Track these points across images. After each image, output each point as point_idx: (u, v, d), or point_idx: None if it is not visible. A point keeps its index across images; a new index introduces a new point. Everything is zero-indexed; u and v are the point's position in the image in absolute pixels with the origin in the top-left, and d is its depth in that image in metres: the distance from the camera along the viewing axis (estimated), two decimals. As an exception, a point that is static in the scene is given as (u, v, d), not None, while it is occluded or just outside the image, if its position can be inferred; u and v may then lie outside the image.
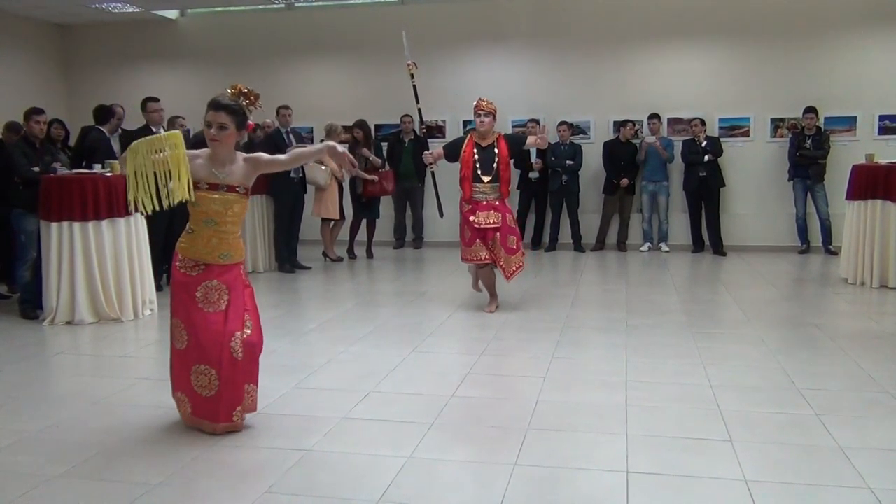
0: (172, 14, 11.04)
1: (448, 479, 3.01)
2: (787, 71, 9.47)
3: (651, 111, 9.63)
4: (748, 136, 9.70)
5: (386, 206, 9.74)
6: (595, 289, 7.30)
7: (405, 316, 6.06)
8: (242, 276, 3.48)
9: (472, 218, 5.87)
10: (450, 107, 10.19)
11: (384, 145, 9.85)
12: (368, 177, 8.90)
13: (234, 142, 3.39)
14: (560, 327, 5.53)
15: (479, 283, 6.28)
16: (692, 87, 9.76)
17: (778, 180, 9.49)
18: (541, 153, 9.43)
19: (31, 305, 6.09)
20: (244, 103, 3.41)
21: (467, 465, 3.15)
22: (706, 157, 9.21)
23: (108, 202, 5.83)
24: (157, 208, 3.28)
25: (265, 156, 3.51)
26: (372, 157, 9.04)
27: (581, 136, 10.02)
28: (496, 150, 5.91)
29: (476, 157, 5.90)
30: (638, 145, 9.65)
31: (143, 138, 3.31)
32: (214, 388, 3.31)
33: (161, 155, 3.21)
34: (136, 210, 3.44)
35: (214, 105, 3.36)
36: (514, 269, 5.95)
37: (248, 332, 3.39)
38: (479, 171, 5.87)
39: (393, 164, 9.63)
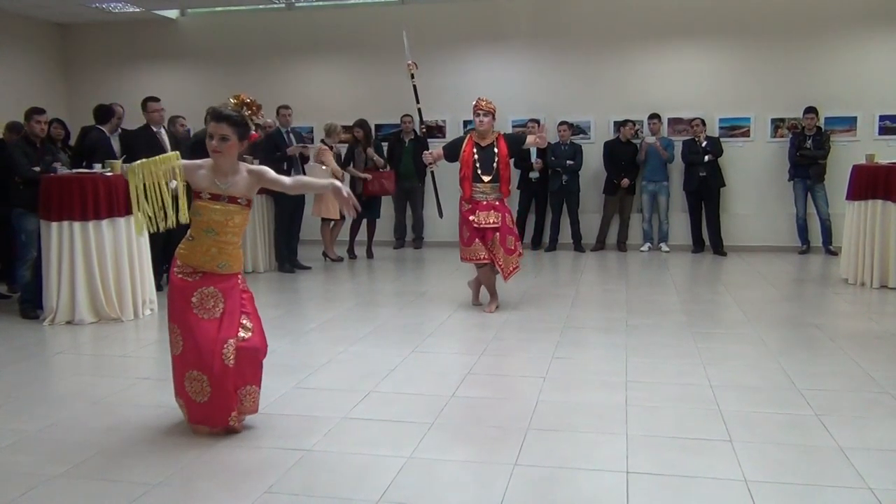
0: (173, 14, 11.04)
1: (448, 479, 3.01)
2: (787, 71, 9.47)
3: (651, 111, 9.63)
4: (748, 136, 9.70)
5: (386, 206, 9.74)
6: (595, 289, 7.30)
7: (405, 316, 6.06)
8: (240, 284, 3.46)
9: (471, 217, 5.88)
10: (450, 107, 10.19)
11: (384, 145, 9.85)
12: (362, 175, 8.91)
13: (236, 153, 3.36)
14: (560, 327, 5.53)
15: (479, 295, 6.33)
16: (692, 87, 9.76)
17: (778, 180, 9.49)
18: (541, 153, 9.43)
19: (31, 305, 6.09)
20: (246, 113, 3.38)
21: (467, 465, 3.15)
22: (706, 158, 9.21)
23: (109, 202, 5.83)
24: (156, 229, 3.36)
25: (270, 173, 3.46)
26: (375, 156, 9.04)
27: (581, 136, 10.02)
28: (496, 150, 5.91)
29: (476, 156, 5.90)
30: (638, 145, 9.65)
31: (142, 161, 3.30)
32: (207, 395, 3.31)
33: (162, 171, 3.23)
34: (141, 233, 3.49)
35: (216, 116, 3.33)
36: (512, 268, 5.98)
37: (249, 334, 3.39)
38: (479, 171, 5.87)
39: (393, 164, 9.63)
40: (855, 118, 9.38)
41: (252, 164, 3.72)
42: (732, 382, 4.17)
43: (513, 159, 6.33)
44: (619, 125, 9.72)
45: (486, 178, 5.88)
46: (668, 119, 9.79)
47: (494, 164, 5.89)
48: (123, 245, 5.89)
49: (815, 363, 4.55)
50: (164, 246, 6.46)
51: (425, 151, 6.32)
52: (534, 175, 9.77)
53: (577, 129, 9.99)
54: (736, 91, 9.65)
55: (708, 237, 9.50)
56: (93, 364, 4.95)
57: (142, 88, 9.25)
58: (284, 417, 3.69)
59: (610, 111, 10.01)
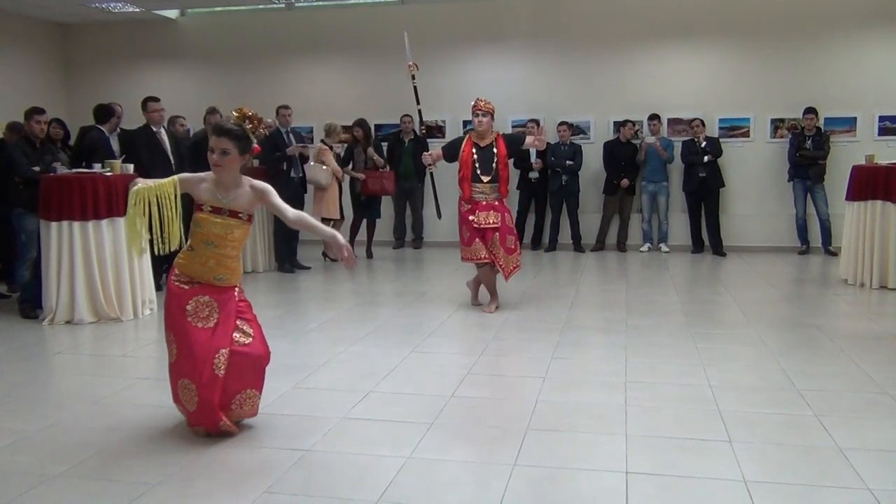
0: (173, 14, 11.04)
1: (447, 479, 3.01)
2: (787, 71, 9.47)
3: (651, 111, 9.63)
4: (748, 136, 9.70)
5: (386, 206, 9.74)
6: (595, 289, 7.30)
7: (405, 316, 6.06)
8: (236, 297, 3.45)
9: (471, 218, 5.88)
10: (450, 107, 10.19)
11: (384, 145, 9.85)
12: (359, 176, 8.91)
13: (237, 166, 3.34)
14: (560, 327, 5.53)
15: (478, 295, 6.33)
16: (692, 87, 9.77)
17: (778, 181, 9.49)
18: (541, 153, 9.43)
19: (30, 305, 6.10)
20: (248, 127, 3.37)
21: (467, 465, 3.15)
22: (706, 158, 9.22)
23: (108, 202, 5.83)
24: (158, 252, 3.40)
25: (274, 195, 3.41)
26: (375, 156, 9.05)
27: (581, 136, 10.03)
28: (495, 150, 5.91)
29: (475, 156, 5.90)
30: (638, 146, 9.65)
31: (143, 186, 3.29)
32: (195, 404, 3.32)
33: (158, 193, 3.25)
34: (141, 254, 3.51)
35: (217, 130, 3.32)
36: (513, 268, 5.99)
37: (250, 339, 3.39)
38: (478, 171, 5.88)
39: (393, 164, 9.64)
40: (854, 119, 9.38)
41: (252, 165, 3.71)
42: (732, 383, 4.17)
43: (512, 159, 6.34)
44: (618, 125, 9.72)
45: (485, 179, 5.88)
46: (668, 119, 9.79)
47: (493, 165, 5.89)
48: (123, 245, 5.89)
49: (814, 364, 4.55)
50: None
51: (425, 153, 6.32)
52: (533, 175, 9.77)
53: (577, 130, 9.99)
54: (736, 91, 9.65)
55: (707, 237, 9.50)
56: (92, 364, 4.95)
57: (142, 88, 9.25)
58: (284, 417, 3.69)
59: (610, 111, 10.01)
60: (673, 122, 9.82)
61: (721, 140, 9.46)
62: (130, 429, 3.56)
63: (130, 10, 10.38)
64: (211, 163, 3.31)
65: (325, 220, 8.88)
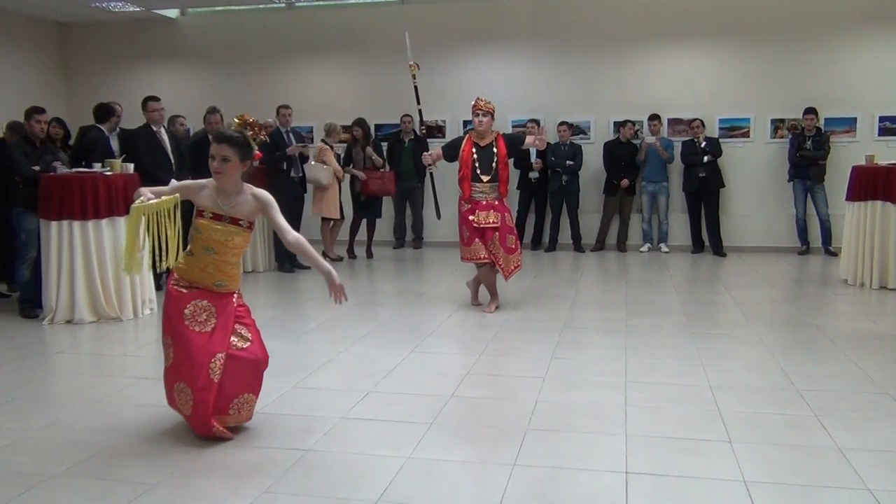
0: (173, 13, 11.04)
1: (447, 479, 3.01)
2: (787, 71, 9.47)
3: (651, 111, 9.63)
4: (748, 136, 9.70)
5: (386, 206, 9.74)
6: (595, 289, 7.30)
7: (405, 316, 6.06)
8: (234, 302, 3.45)
9: (471, 217, 5.88)
10: (449, 107, 10.19)
11: (384, 145, 9.85)
12: (361, 174, 8.92)
13: (238, 173, 3.34)
14: (560, 327, 5.53)
15: (478, 295, 6.33)
16: (692, 87, 9.77)
17: (778, 181, 9.49)
18: (541, 153, 9.42)
19: (30, 304, 6.10)
20: (249, 134, 3.36)
21: (466, 465, 3.15)
22: (705, 158, 9.22)
23: (108, 201, 5.84)
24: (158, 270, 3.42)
25: (276, 210, 3.38)
26: (374, 156, 9.04)
27: (581, 136, 10.03)
28: (495, 150, 5.91)
29: (475, 156, 5.90)
30: (638, 146, 9.65)
31: (145, 204, 3.25)
32: (190, 408, 3.31)
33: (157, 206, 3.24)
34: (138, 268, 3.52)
35: (217, 137, 3.33)
36: (513, 268, 6.00)
37: (248, 344, 3.39)
38: (478, 171, 5.88)
39: (393, 164, 9.64)
40: (855, 119, 9.38)
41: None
42: (732, 383, 4.17)
43: (512, 159, 6.33)
44: (618, 125, 9.72)
45: (485, 178, 5.88)
46: (668, 119, 9.79)
47: (493, 164, 5.89)
48: (123, 245, 5.88)
49: (814, 364, 4.55)
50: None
51: (425, 153, 6.32)
52: (533, 175, 9.77)
53: (577, 130, 9.99)
54: (736, 91, 9.65)
55: (707, 238, 9.50)
56: (92, 363, 4.95)
57: (142, 88, 9.26)
58: (284, 417, 3.69)
59: (610, 111, 10.01)
60: (673, 122, 9.81)
61: (721, 140, 9.46)
62: (130, 428, 3.56)
63: (131, 9, 10.38)
64: (212, 170, 3.31)
65: (325, 220, 8.91)
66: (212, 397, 3.28)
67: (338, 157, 8.94)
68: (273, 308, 6.35)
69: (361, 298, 6.95)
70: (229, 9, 10.87)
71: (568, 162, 9.58)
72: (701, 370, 4.41)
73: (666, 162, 9.57)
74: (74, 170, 6.17)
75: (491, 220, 5.86)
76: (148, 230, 3.24)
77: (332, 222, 8.98)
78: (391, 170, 9.38)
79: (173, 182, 3.57)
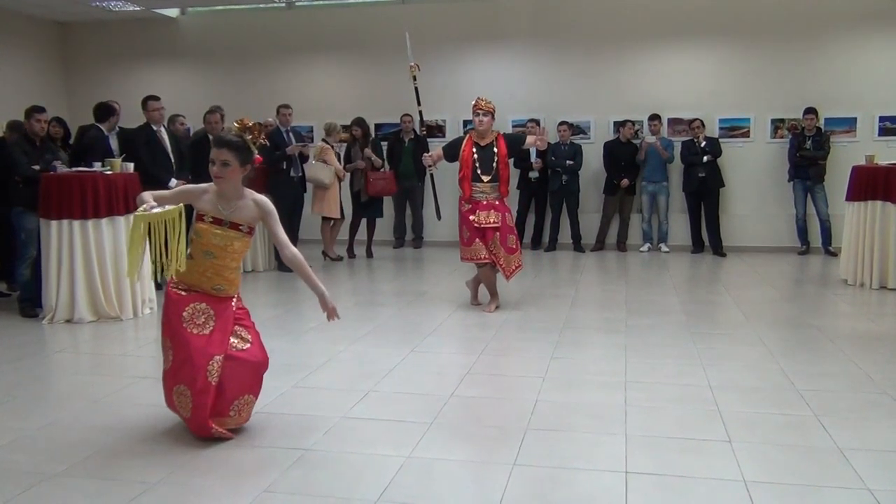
0: (173, 13, 11.04)
1: (447, 479, 3.01)
2: (787, 71, 9.47)
3: (651, 111, 9.63)
4: (748, 136, 9.70)
5: (386, 205, 9.73)
6: (595, 289, 7.30)
7: (405, 315, 6.06)
8: (233, 306, 3.44)
9: (471, 217, 5.88)
10: (450, 107, 10.19)
11: (384, 145, 9.85)
12: (360, 165, 8.93)
13: (239, 178, 3.33)
14: (559, 327, 5.53)
15: (478, 295, 6.33)
16: (692, 87, 9.76)
17: (778, 181, 9.49)
18: (541, 153, 9.42)
19: (30, 304, 6.10)
20: (248, 138, 3.35)
21: (466, 465, 3.15)
22: (705, 158, 9.22)
23: (108, 200, 5.83)
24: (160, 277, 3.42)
25: (276, 222, 3.39)
26: (373, 156, 9.05)
27: (581, 136, 10.03)
28: (495, 150, 5.91)
29: (475, 156, 5.90)
30: (638, 146, 9.65)
31: (149, 213, 3.21)
32: (189, 410, 3.31)
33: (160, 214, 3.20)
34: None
35: (217, 142, 3.32)
36: (514, 268, 6.00)
37: (248, 345, 3.39)
38: (478, 171, 5.88)
39: (393, 163, 9.64)
40: (855, 119, 9.38)
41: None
42: (731, 383, 4.17)
43: (512, 159, 6.33)
44: (618, 125, 9.72)
45: (485, 178, 5.88)
46: (668, 119, 9.79)
47: (494, 164, 5.89)
48: (123, 244, 5.89)
49: (814, 364, 4.55)
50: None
51: (425, 154, 6.31)
52: (533, 175, 9.77)
53: (577, 130, 9.99)
54: (736, 91, 9.65)
55: (707, 238, 9.50)
56: (92, 363, 4.95)
57: (142, 87, 9.26)
58: (283, 417, 3.69)
59: (610, 111, 10.01)
60: (673, 122, 9.81)
61: (721, 140, 9.46)
62: (130, 428, 3.56)
63: (131, 8, 10.37)
64: (212, 174, 3.30)
65: (325, 219, 8.91)
66: (210, 400, 3.28)
67: (338, 156, 8.94)
68: (273, 308, 6.35)
69: (361, 298, 6.95)
70: (229, 8, 10.87)
71: (568, 162, 9.58)
72: (701, 370, 4.41)
73: (666, 162, 9.57)
74: (74, 169, 6.17)
75: (491, 220, 5.86)
76: (150, 239, 3.20)
77: (332, 222, 8.98)
78: (391, 169, 9.38)
79: (174, 185, 3.57)
